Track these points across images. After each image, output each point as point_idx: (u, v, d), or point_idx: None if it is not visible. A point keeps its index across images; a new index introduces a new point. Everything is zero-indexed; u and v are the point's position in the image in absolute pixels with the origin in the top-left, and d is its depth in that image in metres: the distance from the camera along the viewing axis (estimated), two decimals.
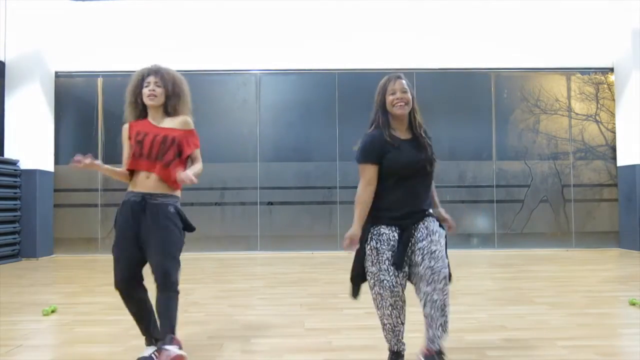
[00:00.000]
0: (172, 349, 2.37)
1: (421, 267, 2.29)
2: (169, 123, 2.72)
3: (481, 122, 8.52)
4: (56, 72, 8.42)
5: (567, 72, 8.61)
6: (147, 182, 2.67)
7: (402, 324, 2.44)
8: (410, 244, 2.35)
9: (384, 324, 2.46)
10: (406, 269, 2.36)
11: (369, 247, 2.40)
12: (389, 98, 2.44)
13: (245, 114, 8.42)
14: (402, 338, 2.50)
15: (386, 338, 2.51)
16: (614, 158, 8.49)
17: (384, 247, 2.36)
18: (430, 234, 2.35)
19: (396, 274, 2.33)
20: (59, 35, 8.37)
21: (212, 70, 8.43)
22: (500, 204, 8.46)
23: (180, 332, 3.26)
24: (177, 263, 2.60)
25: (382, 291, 2.35)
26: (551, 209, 8.47)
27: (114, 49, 8.40)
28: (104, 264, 7.15)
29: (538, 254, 7.84)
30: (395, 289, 2.34)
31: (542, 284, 5.03)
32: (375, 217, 2.42)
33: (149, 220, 2.59)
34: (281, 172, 8.38)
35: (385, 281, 2.33)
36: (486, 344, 2.95)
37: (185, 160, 2.72)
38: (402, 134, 2.47)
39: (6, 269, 6.74)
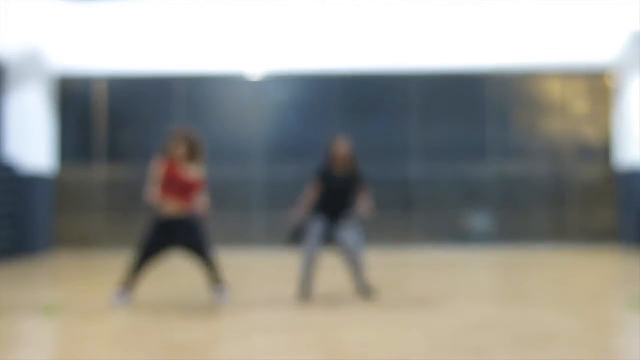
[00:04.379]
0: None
1: (344, 247, 4.39)
2: None
3: (480, 123, 8.51)
4: (56, 72, 8.41)
5: (567, 72, 8.61)
6: None
7: (312, 276, 4.36)
8: (334, 233, 4.40)
9: (299, 275, 4.39)
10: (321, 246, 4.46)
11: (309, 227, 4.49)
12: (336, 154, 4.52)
13: (245, 115, 8.41)
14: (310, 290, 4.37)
15: (298, 285, 4.36)
16: (614, 158, 8.48)
17: (315, 228, 4.39)
18: (346, 230, 4.43)
19: (316, 244, 4.38)
20: (59, 35, 8.37)
21: (212, 70, 8.43)
22: (501, 204, 8.46)
23: (180, 332, 3.26)
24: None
25: (305, 250, 4.39)
26: (551, 208, 8.47)
27: (114, 50, 8.39)
28: (104, 264, 7.16)
29: (538, 254, 7.84)
30: (313, 252, 4.37)
31: (542, 284, 5.03)
32: (316, 211, 4.51)
33: None
34: (281, 172, 8.38)
35: (308, 246, 4.40)
36: (486, 344, 2.96)
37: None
38: (339, 172, 4.51)
39: (6, 269, 6.74)
